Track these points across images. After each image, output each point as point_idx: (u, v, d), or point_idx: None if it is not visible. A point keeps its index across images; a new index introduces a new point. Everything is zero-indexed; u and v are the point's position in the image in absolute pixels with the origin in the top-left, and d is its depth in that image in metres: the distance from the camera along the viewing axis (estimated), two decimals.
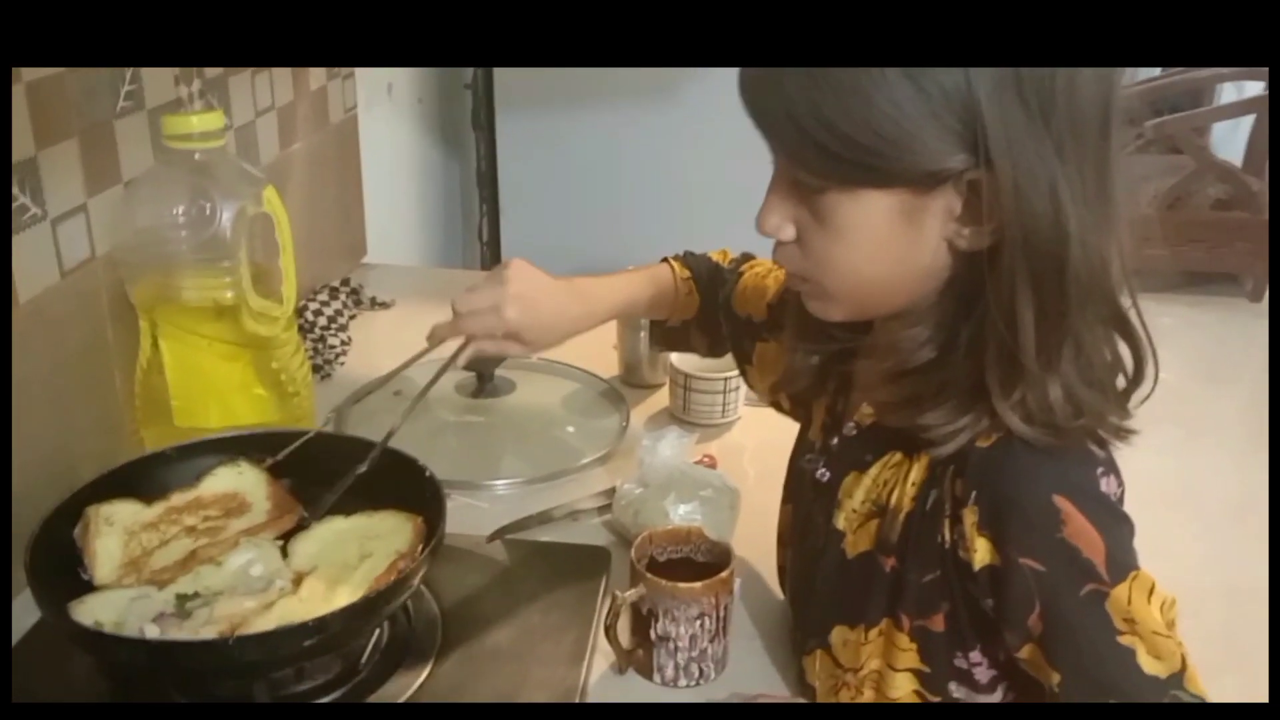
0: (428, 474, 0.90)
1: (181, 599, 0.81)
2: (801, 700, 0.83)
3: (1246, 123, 2.75)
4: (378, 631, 0.87)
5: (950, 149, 0.61)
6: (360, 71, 1.70)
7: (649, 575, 0.83)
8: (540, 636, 0.89)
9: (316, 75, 1.52)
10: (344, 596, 0.80)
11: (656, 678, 0.86)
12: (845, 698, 0.78)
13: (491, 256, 2.42)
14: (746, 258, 1.00)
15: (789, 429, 0.90)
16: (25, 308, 0.93)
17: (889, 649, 0.74)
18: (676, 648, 0.84)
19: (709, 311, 0.99)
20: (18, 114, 0.91)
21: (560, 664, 0.86)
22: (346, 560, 0.85)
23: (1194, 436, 1.27)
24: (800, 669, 0.84)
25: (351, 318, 1.53)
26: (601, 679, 0.87)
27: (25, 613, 0.85)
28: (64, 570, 0.83)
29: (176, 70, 1.14)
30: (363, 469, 0.89)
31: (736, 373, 1.05)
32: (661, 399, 1.31)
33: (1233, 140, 2.83)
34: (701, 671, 0.86)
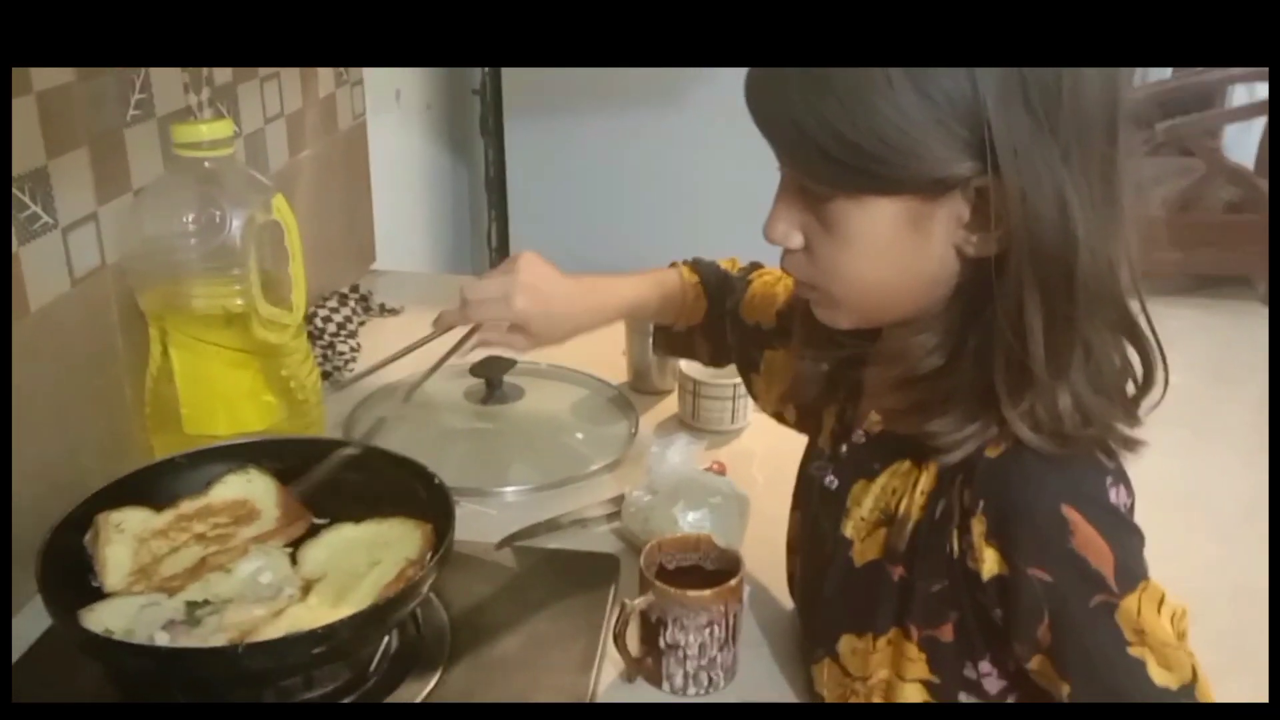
0: (436, 481, 0.90)
1: (191, 606, 0.81)
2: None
3: (1258, 125, 2.73)
4: (386, 639, 0.86)
5: (957, 156, 0.61)
6: (368, 78, 1.70)
7: (658, 583, 0.83)
8: (549, 644, 0.88)
9: (325, 82, 1.52)
10: (353, 604, 0.80)
11: (665, 686, 0.86)
12: None
13: (500, 262, 2.42)
14: (755, 266, 1.00)
15: (799, 436, 0.90)
16: (35, 316, 0.93)
17: (898, 658, 0.74)
18: (685, 656, 0.84)
19: (715, 318, 0.99)
20: (28, 123, 0.91)
21: (569, 672, 0.86)
22: (355, 568, 0.85)
23: (1204, 439, 1.27)
24: (809, 678, 0.84)
25: (361, 324, 1.54)
26: (610, 687, 0.87)
27: (35, 620, 0.85)
28: (74, 577, 0.83)
29: (186, 78, 1.15)
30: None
31: None
32: (671, 405, 1.31)
33: (1244, 143, 2.81)
34: (711, 680, 0.85)
